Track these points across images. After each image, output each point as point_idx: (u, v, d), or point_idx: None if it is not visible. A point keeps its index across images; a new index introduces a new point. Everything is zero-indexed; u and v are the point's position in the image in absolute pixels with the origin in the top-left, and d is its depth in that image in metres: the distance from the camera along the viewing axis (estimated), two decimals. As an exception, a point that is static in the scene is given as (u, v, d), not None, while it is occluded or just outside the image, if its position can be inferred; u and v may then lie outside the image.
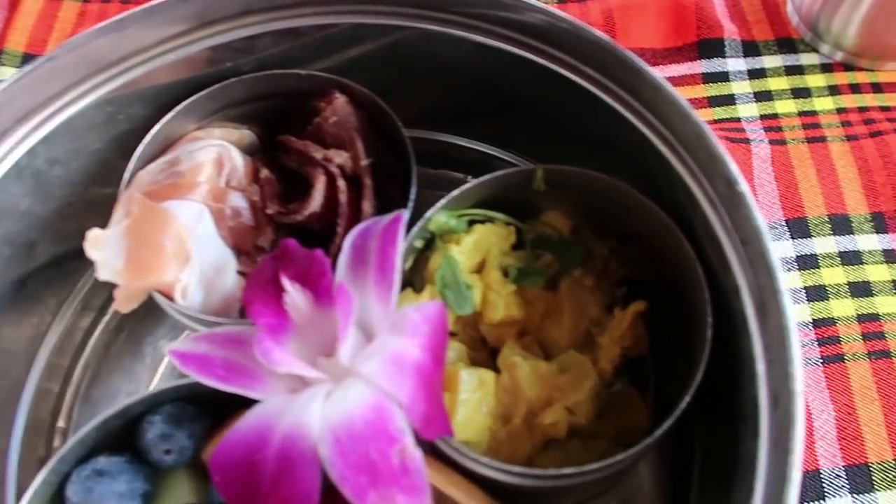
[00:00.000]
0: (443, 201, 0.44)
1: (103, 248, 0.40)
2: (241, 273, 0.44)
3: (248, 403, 0.36)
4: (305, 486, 0.32)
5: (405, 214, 0.40)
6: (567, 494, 0.42)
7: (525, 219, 0.48)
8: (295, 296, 0.38)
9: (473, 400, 0.41)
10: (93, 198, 0.48)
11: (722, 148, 0.37)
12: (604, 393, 0.42)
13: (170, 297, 0.41)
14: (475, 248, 0.45)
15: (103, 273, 0.40)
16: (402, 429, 0.33)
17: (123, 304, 0.40)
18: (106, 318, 0.54)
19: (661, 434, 0.37)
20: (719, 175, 0.37)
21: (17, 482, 0.46)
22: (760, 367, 0.34)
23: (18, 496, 0.46)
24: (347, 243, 0.41)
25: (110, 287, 0.55)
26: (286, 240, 0.41)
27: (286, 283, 0.38)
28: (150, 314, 0.54)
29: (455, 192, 0.44)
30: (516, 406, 0.41)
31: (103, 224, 0.42)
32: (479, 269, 0.45)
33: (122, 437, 0.39)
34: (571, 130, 0.49)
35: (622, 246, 0.48)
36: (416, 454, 0.32)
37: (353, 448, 0.32)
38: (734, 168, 0.36)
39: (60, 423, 0.50)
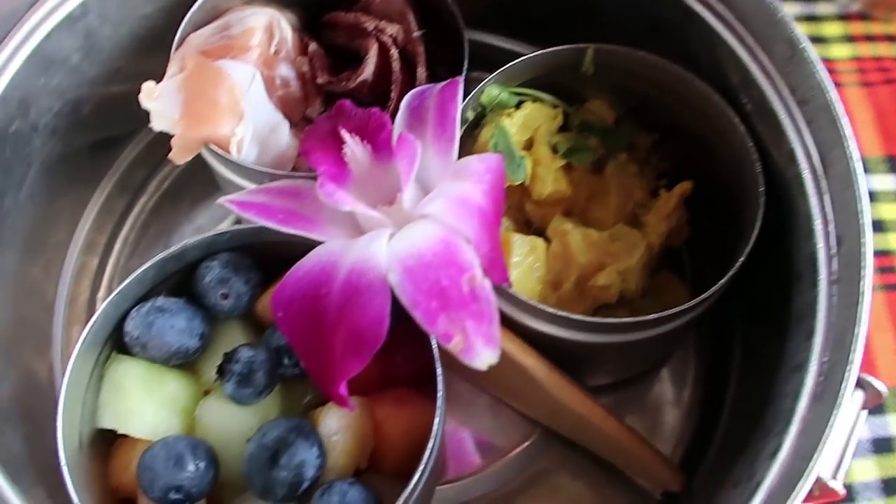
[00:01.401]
0: (495, 74, 0.44)
1: (159, 99, 0.40)
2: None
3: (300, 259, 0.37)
4: (375, 313, 0.32)
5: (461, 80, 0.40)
6: (615, 358, 0.43)
7: (570, 105, 0.48)
8: (354, 147, 0.38)
9: (525, 264, 0.41)
10: (139, 70, 0.47)
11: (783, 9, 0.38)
12: (651, 265, 0.43)
13: (225, 151, 0.41)
14: (524, 124, 0.45)
15: (158, 123, 0.40)
16: (470, 260, 0.33)
17: (179, 154, 0.40)
18: (143, 199, 0.54)
19: (718, 291, 0.37)
20: (780, 38, 0.38)
21: (62, 349, 0.46)
22: (818, 222, 0.35)
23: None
24: (404, 104, 0.41)
25: (148, 166, 0.55)
26: (341, 100, 0.41)
27: (345, 135, 0.38)
28: (187, 196, 0.54)
29: (507, 66, 0.44)
30: (567, 272, 0.41)
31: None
32: (528, 146, 0.46)
33: (179, 283, 0.39)
34: (616, 16, 0.49)
35: (665, 140, 0.48)
36: (485, 283, 0.32)
37: (423, 275, 0.32)
38: (797, 28, 0.37)
39: (100, 295, 0.50)
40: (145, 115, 0.53)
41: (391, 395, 0.39)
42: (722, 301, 0.41)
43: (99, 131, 0.49)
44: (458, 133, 0.38)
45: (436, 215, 0.35)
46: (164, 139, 0.54)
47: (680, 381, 0.48)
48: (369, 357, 0.32)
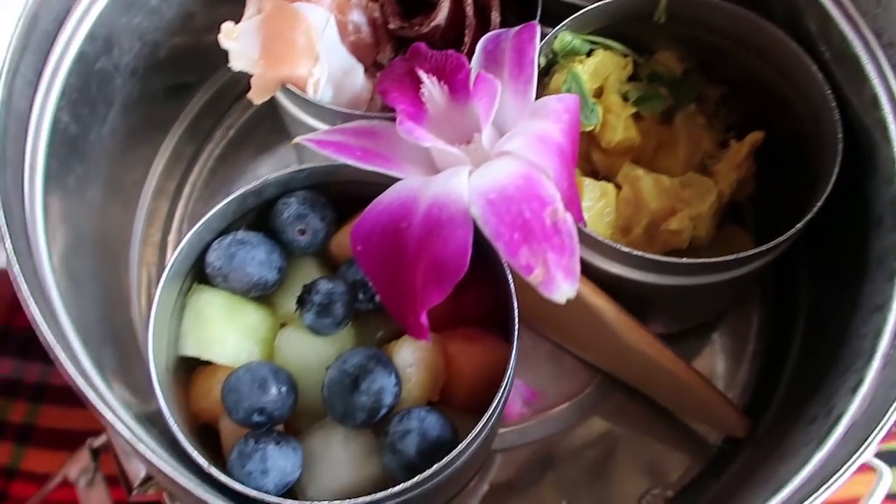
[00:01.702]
0: (569, 20, 0.44)
1: (238, 39, 0.41)
2: (364, 82, 0.45)
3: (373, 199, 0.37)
4: (458, 245, 0.33)
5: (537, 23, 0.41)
6: (682, 304, 0.43)
7: (640, 56, 0.48)
8: (431, 87, 0.38)
9: (596, 209, 0.41)
10: (212, 16, 0.48)
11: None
12: (720, 214, 0.43)
13: (302, 91, 0.41)
14: (595, 72, 0.45)
15: (238, 63, 0.41)
16: (552, 194, 0.33)
17: (258, 94, 0.41)
18: (210, 146, 0.55)
19: (795, 234, 0.37)
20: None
21: (137, 287, 0.48)
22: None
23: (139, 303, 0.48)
24: (480, 47, 0.41)
25: (215, 115, 0.56)
26: (416, 43, 0.41)
27: (422, 75, 0.39)
28: (252, 144, 0.56)
29: (581, 13, 0.44)
30: (637, 217, 0.41)
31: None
32: (597, 94, 0.46)
33: (257, 218, 0.40)
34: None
35: (734, 93, 0.48)
36: (567, 217, 0.33)
37: (506, 208, 0.33)
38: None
39: (171, 238, 0.52)
40: (215, 63, 0.54)
41: (462, 332, 0.39)
42: (789, 249, 0.41)
43: (173, 76, 0.50)
44: (535, 74, 0.38)
45: (516, 152, 0.35)
46: (231, 88, 0.56)
47: (741, 332, 0.48)
48: (451, 287, 0.33)
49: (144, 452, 0.30)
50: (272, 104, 0.49)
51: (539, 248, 0.32)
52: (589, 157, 0.46)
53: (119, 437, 0.31)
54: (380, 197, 0.36)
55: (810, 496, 0.27)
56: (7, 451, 0.57)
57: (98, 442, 0.48)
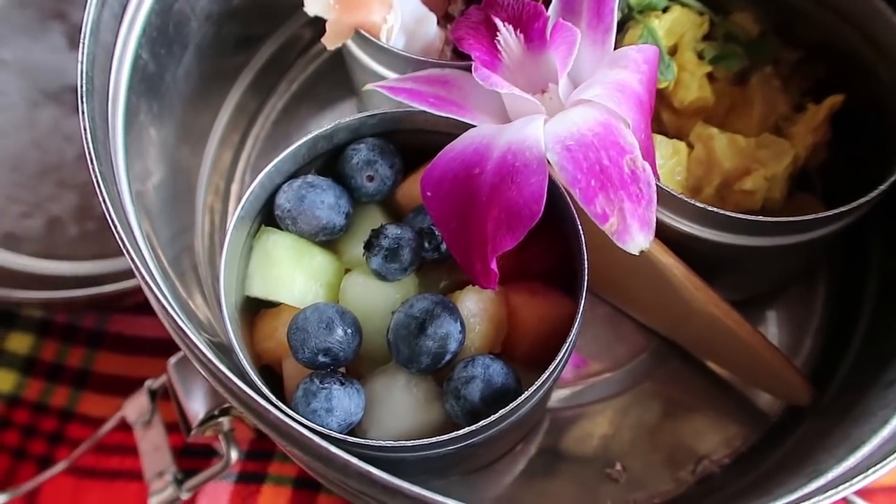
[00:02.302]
0: (645, -25, 0.43)
1: (313, -16, 0.41)
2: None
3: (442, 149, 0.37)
4: (532, 191, 0.33)
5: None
6: (752, 267, 0.42)
7: (716, 15, 0.47)
8: (507, 35, 0.38)
9: (667, 167, 0.41)
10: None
11: None
12: (794, 178, 0.42)
13: (375, 37, 0.41)
14: (670, 30, 0.44)
15: (312, 7, 0.41)
16: (631, 142, 0.33)
17: (332, 39, 0.41)
18: (273, 99, 0.56)
19: (877, 197, 0.36)
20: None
21: (201, 231, 0.49)
22: None
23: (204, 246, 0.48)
24: (556, -2, 0.40)
25: (279, 68, 0.57)
26: (490, -8, 0.41)
27: (498, 22, 0.38)
28: (315, 99, 0.56)
29: (658, -33, 0.43)
30: (709, 177, 0.41)
31: None
32: (672, 52, 0.45)
33: (326, 164, 0.40)
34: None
35: (811, 58, 0.47)
36: (646, 166, 0.32)
37: (583, 155, 0.32)
38: None
39: (234, 188, 0.52)
40: (282, 16, 0.54)
41: (526, 285, 0.39)
42: (862, 219, 0.39)
43: (243, 26, 0.50)
44: (615, 23, 0.37)
45: (595, 100, 0.34)
46: (295, 43, 0.56)
47: (807, 304, 0.47)
48: (523, 233, 0.33)
49: (224, 371, 0.30)
50: (336, 59, 0.50)
51: (616, 197, 0.32)
52: (659, 117, 0.45)
53: (198, 353, 0.30)
54: (452, 143, 0.36)
55: (892, 454, 0.27)
56: (64, 394, 0.59)
57: (157, 383, 0.49)
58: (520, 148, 0.34)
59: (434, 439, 0.32)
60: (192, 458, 0.54)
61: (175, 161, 0.44)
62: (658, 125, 0.45)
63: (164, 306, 0.29)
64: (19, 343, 0.60)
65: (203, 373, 0.29)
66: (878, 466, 0.27)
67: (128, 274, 0.54)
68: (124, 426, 0.55)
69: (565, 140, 0.33)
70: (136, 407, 0.50)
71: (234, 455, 0.46)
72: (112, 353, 0.61)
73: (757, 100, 0.44)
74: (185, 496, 0.47)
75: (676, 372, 0.47)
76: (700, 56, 0.44)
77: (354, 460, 0.28)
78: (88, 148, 0.32)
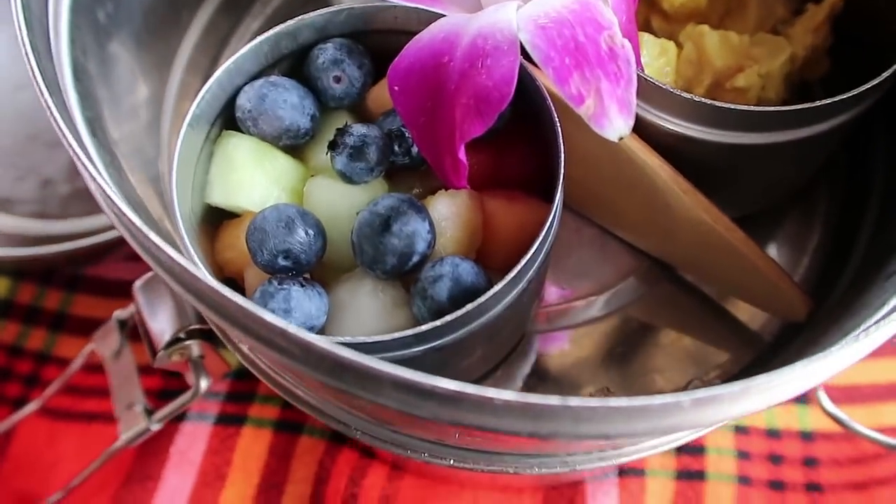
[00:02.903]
0: None
1: None
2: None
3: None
4: (503, 73, 0.30)
5: None
6: (748, 174, 0.40)
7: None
8: (481, -78, 0.35)
9: (654, 67, 0.38)
10: None
11: None
12: (791, 81, 0.39)
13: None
14: (660, -74, 0.41)
15: None
16: (610, 19, 0.30)
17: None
18: (247, 20, 0.53)
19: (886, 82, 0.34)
20: None
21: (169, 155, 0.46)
22: None
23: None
24: None
25: None
26: None
27: None
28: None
29: None
30: (699, 77, 0.38)
31: None
32: (661, -51, 0.42)
33: (291, 68, 0.38)
34: None
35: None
36: (626, 43, 0.30)
37: (558, 32, 0.30)
38: None
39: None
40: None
41: (504, 192, 0.37)
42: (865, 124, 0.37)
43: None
44: None
45: (571, -20, 0.32)
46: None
47: (806, 222, 0.45)
48: (493, 118, 0.30)
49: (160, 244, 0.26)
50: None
51: (592, 75, 0.29)
52: (648, 23, 0.42)
53: (134, 230, 0.27)
54: (420, 34, 0.34)
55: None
56: (41, 336, 0.57)
57: (125, 313, 0.47)
58: (490, 31, 0.32)
59: (397, 334, 0.30)
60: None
61: (136, 79, 0.42)
62: (649, 32, 0.43)
63: (100, 185, 0.26)
64: (-5, 286, 0.59)
65: (145, 256, 0.27)
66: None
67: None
68: (101, 368, 0.54)
69: (539, 19, 0.31)
70: (105, 339, 0.49)
71: (203, 384, 0.44)
72: (90, 295, 0.59)
73: (753, 2, 0.41)
74: (154, 427, 0.45)
75: (666, 295, 0.45)
76: (691, -47, 0.41)
77: (316, 338, 0.24)
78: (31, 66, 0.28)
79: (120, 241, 0.53)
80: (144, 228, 0.25)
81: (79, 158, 0.26)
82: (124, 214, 0.25)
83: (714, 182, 0.38)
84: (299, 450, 0.51)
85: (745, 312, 0.44)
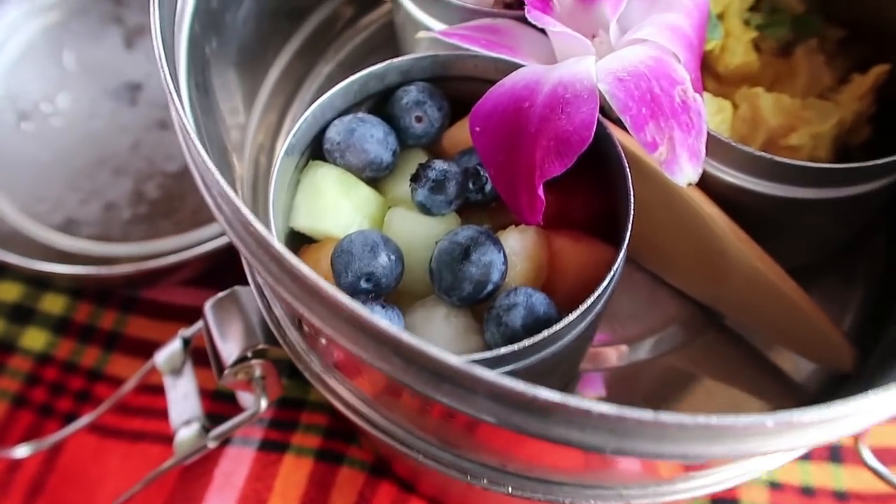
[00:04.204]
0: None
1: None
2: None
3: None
4: (582, 118, 0.33)
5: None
6: (798, 228, 0.42)
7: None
8: (559, -15, 0.39)
9: (712, 123, 0.41)
10: None
11: None
12: (838, 144, 0.42)
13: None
14: (717, -3, 0.45)
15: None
16: (683, 75, 0.33)
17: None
18: (320, 65, 0.57)
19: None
20: None
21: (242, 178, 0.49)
22: None
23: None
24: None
25: (329, 35, 0.58)
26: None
27: (551, -27, 0.39)
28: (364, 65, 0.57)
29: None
30: (754, 134, 0.41)
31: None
32: (719, 19, 0.45)
33: (376, 105, 0.41)
34: None
35: (854, 37, 0.47)
36: (697, 97, 0.32)
37: (635, 84, 0.33)
38: None
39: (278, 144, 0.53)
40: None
41: (568, 232, 0.39)
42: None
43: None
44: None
45: (647, 38, 0.35)
46: (345, 11, 0.58)
47: (849, 277, 0.47)
48: (573, 159, 0.33)
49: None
50: (385, 32, 0.50)
51: (666, 125, 0.32)
52: (702, 82, 0.45)
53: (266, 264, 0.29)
54: (502, 81, 0.37)
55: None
56: (94, 354, 0.59)
57: (190, 332, 0.49)
58: (571, 81, 0.35)
59: (478, 355, 0.32)
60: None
61: (231, 103, 0.45)
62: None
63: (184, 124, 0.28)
64: (53, 304, 0.61)
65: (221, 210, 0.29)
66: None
67: (174, 251, 0.57)
68: (151, 388, 0.56)
69: (617, 72, 0.34)
70: (167, 355, 0.51)
71: (262, 404, 0.46)
72: (144, 317, 0.61)
73: (802, 70, 0.44)
74: (211, 444, 0.47)
75: (711, 343, 0.46)
76: (746, 23, 0.45)
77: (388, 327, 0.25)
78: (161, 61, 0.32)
79: (176, 267, 0.56)
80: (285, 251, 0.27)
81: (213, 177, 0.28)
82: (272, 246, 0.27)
83: (764, 233, 0.40)
84: (339, 480, 0.51)
85: (789, 363, 0.45)
